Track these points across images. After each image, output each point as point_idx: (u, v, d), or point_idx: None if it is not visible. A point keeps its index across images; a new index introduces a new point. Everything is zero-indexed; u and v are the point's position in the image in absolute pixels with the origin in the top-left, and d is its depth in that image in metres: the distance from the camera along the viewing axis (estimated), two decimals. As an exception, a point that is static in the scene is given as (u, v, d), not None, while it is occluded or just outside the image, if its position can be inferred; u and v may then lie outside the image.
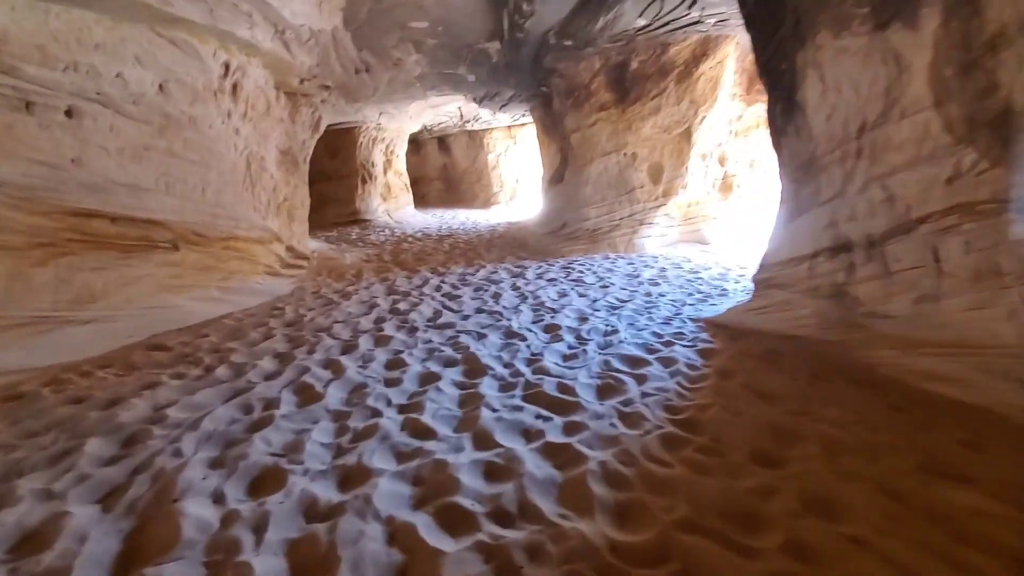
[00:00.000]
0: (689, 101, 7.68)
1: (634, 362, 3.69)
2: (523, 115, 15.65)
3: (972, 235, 2.46)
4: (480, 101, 11.85)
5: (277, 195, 6.14)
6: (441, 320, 4.85)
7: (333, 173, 12.47)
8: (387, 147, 13.96)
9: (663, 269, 7.39)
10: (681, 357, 3.73)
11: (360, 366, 3.71)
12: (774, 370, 3.39)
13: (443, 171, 21.20)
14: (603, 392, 3.20)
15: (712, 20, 6.27)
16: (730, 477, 2.21)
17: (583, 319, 4.84)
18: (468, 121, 17.25)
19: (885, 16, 2.78)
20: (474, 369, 3.61)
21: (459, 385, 3.36)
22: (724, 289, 6.09)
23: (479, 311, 5.18)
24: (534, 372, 3.52)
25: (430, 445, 2.56)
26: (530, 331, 4.48)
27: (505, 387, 3.32)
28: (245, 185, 5.47)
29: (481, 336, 4.34)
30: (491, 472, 2.33)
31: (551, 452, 2.48)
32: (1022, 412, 2.34)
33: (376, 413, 2.94)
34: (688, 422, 2.76)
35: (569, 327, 4.55)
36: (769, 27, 3.85)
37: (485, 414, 2.87)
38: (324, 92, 7.39)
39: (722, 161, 9.26)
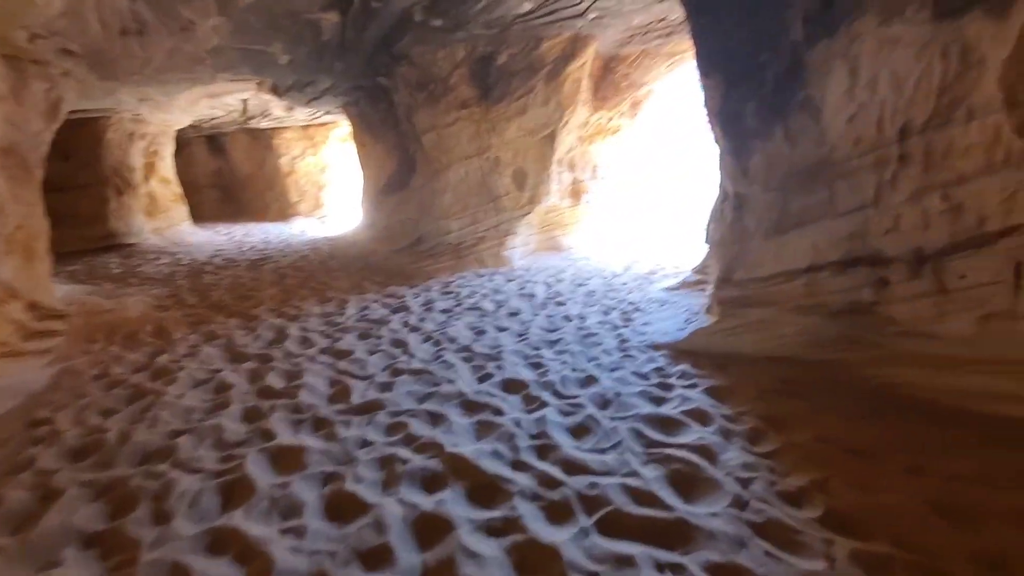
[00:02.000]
0: (556, 103, 7.18)
1: (665, 425, 2.88)
2: (326, 112, 13.51)
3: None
4: (284, 92, 9.61)
5: (5, 222, 3.54)
6: (354, 398, 3.28)
7: (68, 182, 8.78)
8: (148, 146, 10.53)
9: (548, 285, 6.77)
10: (705, 406, 3.05)
11: (286, 532, 2.07)
12: (816, 408, 2.93)
13: (217, 177, 17.49)
14: (688, 490, 2.29)
15: (593, 15, 5.81)
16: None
17: (536, 366, 3.84)
18: (254, 117, 14.22)
19: (954, 2, 2.44)
20: (480, 486, 2.33)
21: (486, 528, 2.06)
22: (634, 304, 5.70)
23: (395, 372, 3.73)
24: (568, 472, 2.42)
25: None
26: (492, 396, 3.31)
27: (556, 512, 2.15)
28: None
29: (436, 418, 2.99)
30: None
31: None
32: None
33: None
34: (835, 519, 2.05)
35: (534, 381, 3.51)
36: (745, 14, 3.39)
37: (588, 590, 1.70)
38: (67, 60, 4.77)
39: (572, 167, 9.10)
